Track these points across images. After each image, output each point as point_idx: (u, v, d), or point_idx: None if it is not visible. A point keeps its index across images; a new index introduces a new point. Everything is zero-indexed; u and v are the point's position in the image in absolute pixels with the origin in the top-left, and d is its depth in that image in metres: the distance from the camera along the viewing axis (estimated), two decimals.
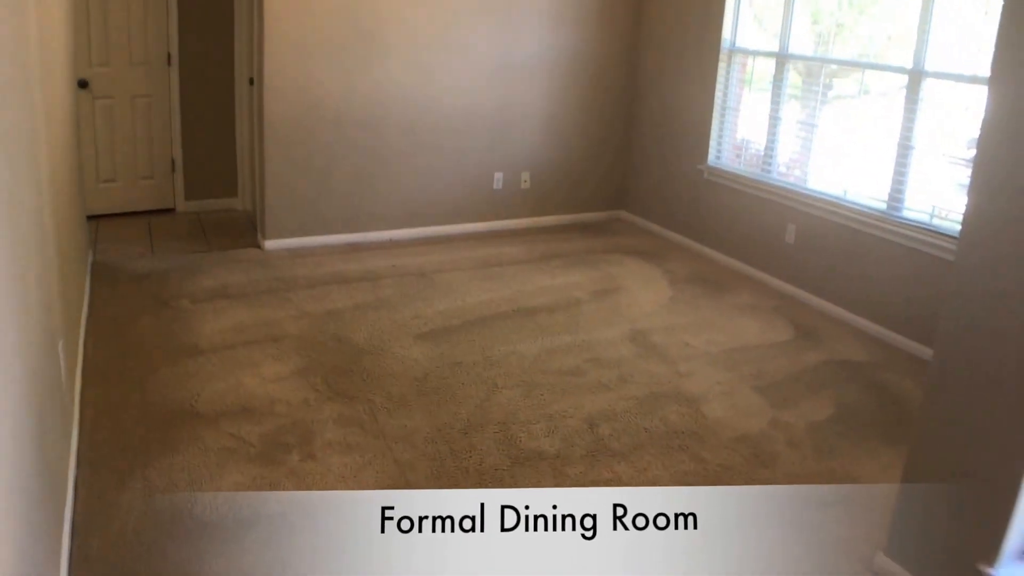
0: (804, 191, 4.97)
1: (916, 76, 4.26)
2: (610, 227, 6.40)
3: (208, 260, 5.20)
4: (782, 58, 5.09)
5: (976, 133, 2.42)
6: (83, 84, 5.73)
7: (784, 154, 5.25)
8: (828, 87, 4.91)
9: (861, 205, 4.63)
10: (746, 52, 5.40)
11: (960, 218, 2.63)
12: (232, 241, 5.64)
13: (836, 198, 4.78)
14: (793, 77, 5.08)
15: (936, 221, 4.30)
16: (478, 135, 5.87)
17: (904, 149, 4.38)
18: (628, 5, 6.12)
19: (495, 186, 6.06)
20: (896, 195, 4.45)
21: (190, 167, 6.27)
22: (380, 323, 4.32)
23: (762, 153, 5.33)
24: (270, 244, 5.42)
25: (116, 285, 4.72)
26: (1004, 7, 2.37)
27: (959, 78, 4.13)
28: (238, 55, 6.12)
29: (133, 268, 5.02)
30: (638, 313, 4.66)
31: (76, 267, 4.06)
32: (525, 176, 6.14)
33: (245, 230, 5.88)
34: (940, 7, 4.13)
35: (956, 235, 3.88)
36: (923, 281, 4.25)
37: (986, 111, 2.28)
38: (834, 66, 4.89)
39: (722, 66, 5.49)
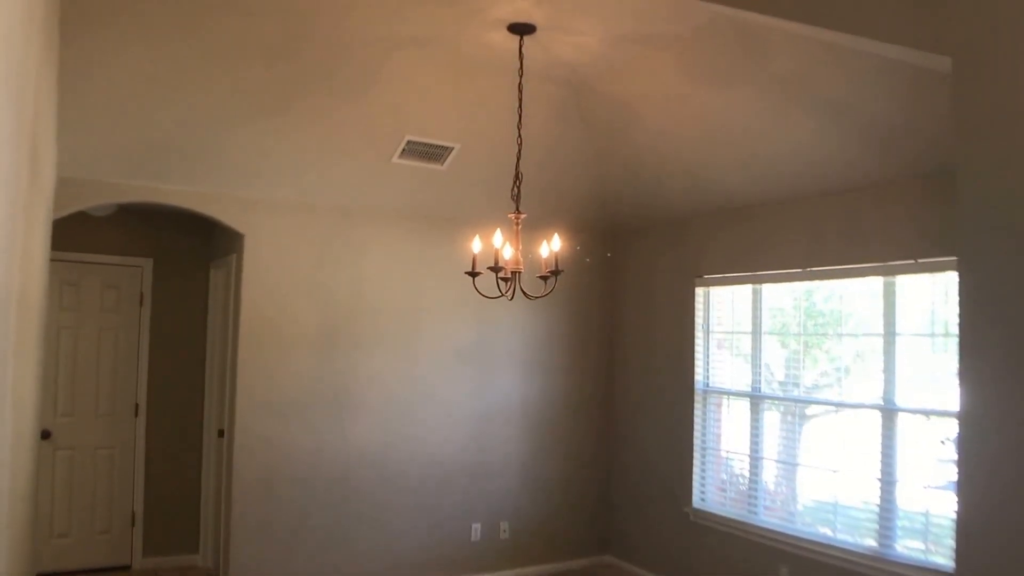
0: (793, 532, 4.84)
1: (889, 413, 4.37)
2: (595, 575, 6.07)
3: None
4: (755, 398, 5.23)
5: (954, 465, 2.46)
6: (45, 435, 5.61)
7: (769, 492, 5.19)
8: (804, 409, 4.99)
9: (852, 544, 4.50)
10: (720, 392, 5.54)
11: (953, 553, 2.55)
12: None
13: (826, 538, 4.65)
14: (772, 412, 5.17)
15: (931, 557, 4.14)
16: (454, 485, 5.75)
17: (887, 484, 4.36)
18: (600, 350, 6.39)
19: (473, 537, 5.81)
20: (885, 532, 4.35)
21: (151, 521, 6.00)
22: None
23: (746, 491, 5.27)
24: None
25: None
26: (960, 352, 2.51)
27: (930, 412, 4.24)
28: (207, 406, 6.13)
29: None
30: None
31: None
32: (504, 525, 5.93)
33: None
34: (902, 347, 4.36)
35: (951, 571, 3.76)
36: None
37: (958, 447, 2.32)
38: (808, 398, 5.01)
39: (698, 406, 5.61)
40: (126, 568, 5.92)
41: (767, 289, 5.20)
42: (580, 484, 6.27)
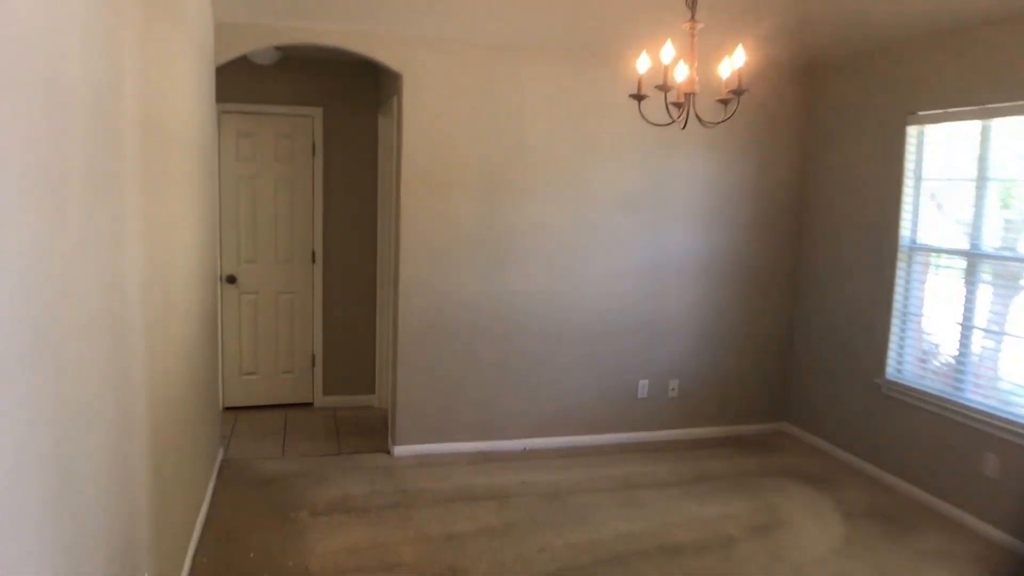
0: (1006, 414, 4.18)
1: None
2: (771, 442, 5.69)
3: (336, 465, 4.95)
4: (973, 257, 4.47)
5: None
6: (231, 279, 5.90)
7: (980, 369, 4.49)
8: None
9: None
10: (929, 250, 4.80)
11: None
12: (363, 443, 5.40)
13: None
14: (988, 276, 4.41)
15: None
16: (622, 339, 5.47)
17: None
18: (790, 200, 5.73)
19: (640, 394, 5.57)
20: None
21: (330, 363, 6.24)
22: (503, 555, 3.81)
23: (953, 366, 4.61)
24: (399, 450, 5.12)
25: (240, 489, 4.50)
26: None
27: None
28: (380, 255, 6.16)
29: (261, 470, 4.83)
30: (805, 559, 3.89)
31: (199, 468, 3.92)
32: (673, 384, 5.63)
33: (377, 431, 5.65)
34: None
35: None
36: None
37: None
38: None
39: (901, 266, 4.90)
40: (308, 405, 6.24)
41: (998, 126, 4.31)
42: (759, 346, 5.81)
